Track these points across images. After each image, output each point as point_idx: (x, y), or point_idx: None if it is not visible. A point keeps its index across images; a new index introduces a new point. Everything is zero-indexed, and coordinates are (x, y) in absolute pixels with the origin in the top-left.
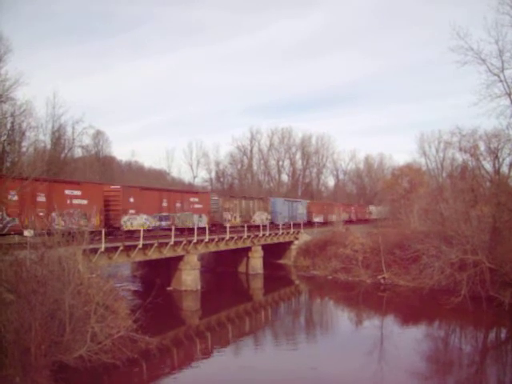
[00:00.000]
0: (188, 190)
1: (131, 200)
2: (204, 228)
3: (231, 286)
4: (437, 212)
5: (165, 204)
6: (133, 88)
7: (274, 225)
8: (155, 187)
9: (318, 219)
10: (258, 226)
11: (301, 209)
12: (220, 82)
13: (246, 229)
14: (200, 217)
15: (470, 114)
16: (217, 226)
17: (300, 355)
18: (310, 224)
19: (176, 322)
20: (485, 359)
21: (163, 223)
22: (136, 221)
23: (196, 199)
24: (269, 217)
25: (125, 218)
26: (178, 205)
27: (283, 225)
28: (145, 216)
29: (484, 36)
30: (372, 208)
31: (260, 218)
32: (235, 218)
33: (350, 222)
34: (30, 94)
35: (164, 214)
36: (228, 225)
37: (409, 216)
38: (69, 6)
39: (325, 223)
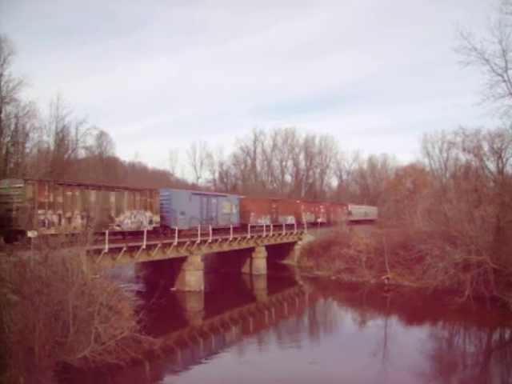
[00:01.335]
0: None
1: None
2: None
3: (235, 287)
4: (440, 212)
5: None
6: (136, 88)
7: (278, 226)
8: None
9: (260, 221)
10: (261, 227)
11: (227, 207)
12: (223, 82)
13: (248, 229)
14: None
15: (473, 114)
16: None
17: (304, 355)
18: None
19: (179, 323)
20: (489, 360)
21: None
22: None
23: None
24: (156, 218)
25: None
26: None
27: (186, 229)
28: None
29: (487, 36)
30: (352, 208)
31: (134, 219)
32: (69, 220)
33: (315, 224)
34: (33, 95)
35: None
36: (51, 231)
37: (412, 216)
38: (71, 6)
39: (277, 227)
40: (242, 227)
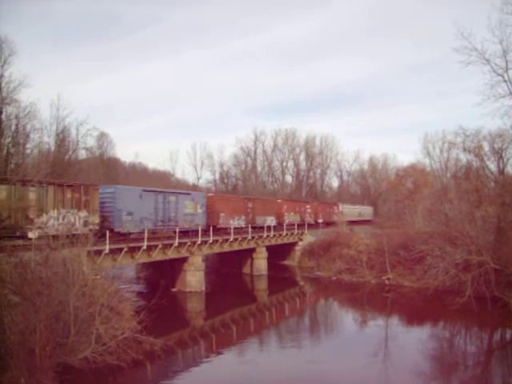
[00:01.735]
0: None
1: None
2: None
3: (236, 287)
4: (441, 212)
5: None
6: (136, 89)
7: (280, 227)
8: None
9: (232, 223)
10: (261, 227)
11: (190, 207)
12: (223, 83)
13: (250, 229)
14: None
15: (473, 114)
16: None
17: (305, 355)
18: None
19: (180, 323)
20: (490, 360)
21: None
22: None
23: None
24: (94, 219)
25: None
26: None
27: (136, 233)
28: None
29: (488, 36)
30: (344, 207)
31: (63, 221)
32: None
33: (303, 225)
34: (34, 96)
35: None
36: None
37: (413, 217)
38: (71, 7)
39: (253, 228)
40: (209, 229)
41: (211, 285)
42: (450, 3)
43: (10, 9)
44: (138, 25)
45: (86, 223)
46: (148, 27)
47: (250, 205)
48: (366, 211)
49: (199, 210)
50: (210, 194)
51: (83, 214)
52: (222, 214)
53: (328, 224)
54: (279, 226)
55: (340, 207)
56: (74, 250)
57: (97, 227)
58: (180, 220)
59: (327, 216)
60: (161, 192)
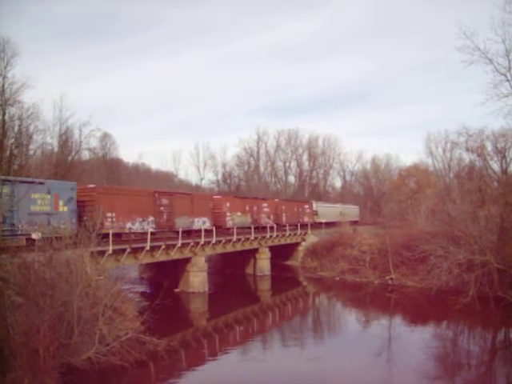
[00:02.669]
0: None
1: None
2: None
3: (239, 288)
4: (444, 212)
5: None
6: (137, 90)
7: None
8: None
9: (131, 227)
10: (264, 227)
11: (44, 203)
12: (225, 83)
13: (252, 230)
14: None
15: (476, 113)
16: None
17: (308, 356)
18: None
19: (184, 324)
20: (493, 360)
21: None
22: None
23: None
24: None
25: None
26: None
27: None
28: None
29: (490, 35)
30: (320, 206)
31: None
32: None
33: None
34: (37, 97)
35: None
36: None
37: (416, 216)
38: (73, 8)
39: (175, 233)
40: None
41: (214, 285)
42: (452, 2)
43: (10, 10)
44: (138, 25)
45: None
46: (148, 28)
47: (164, 201)
48: (350, 211)
49: (63, 208)
50: (91, 186)
51: None
52: (109, 215)
53: (297, 226)
54: (219, 229)
55: (314, 206)
56: (78, 250)
57: None
58: (22, 223)
59: (295, 217)
60: None
